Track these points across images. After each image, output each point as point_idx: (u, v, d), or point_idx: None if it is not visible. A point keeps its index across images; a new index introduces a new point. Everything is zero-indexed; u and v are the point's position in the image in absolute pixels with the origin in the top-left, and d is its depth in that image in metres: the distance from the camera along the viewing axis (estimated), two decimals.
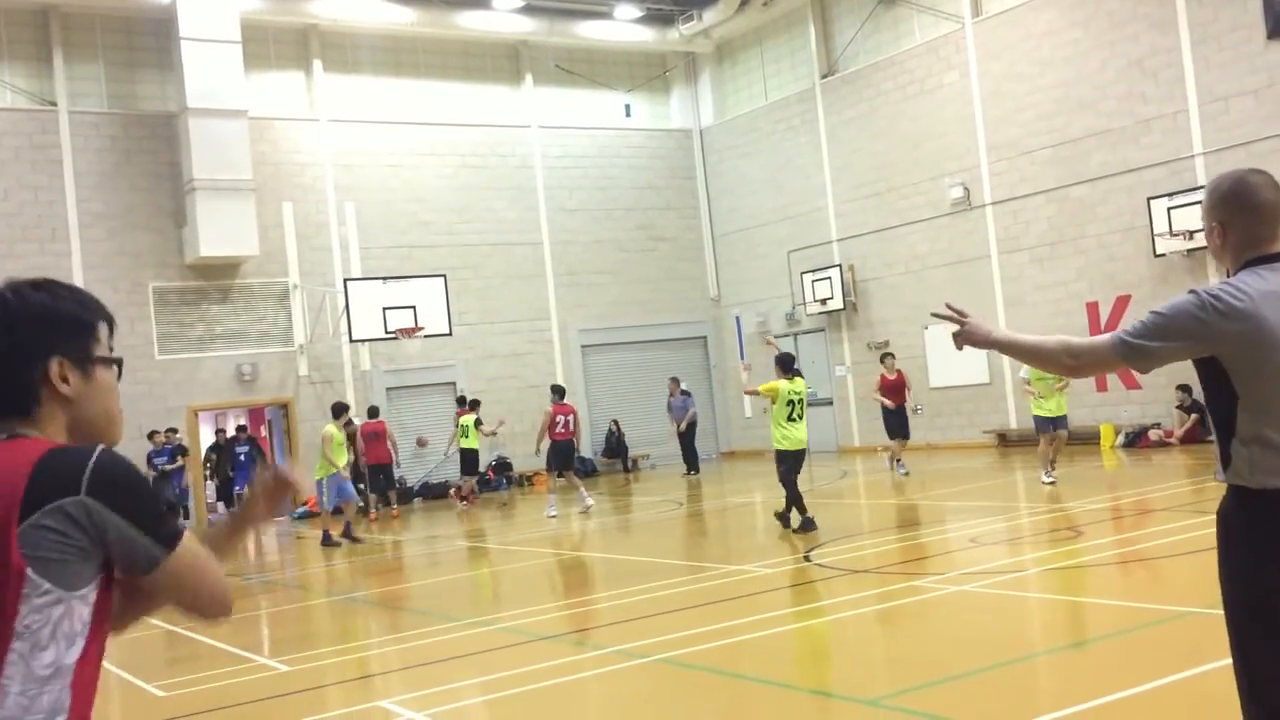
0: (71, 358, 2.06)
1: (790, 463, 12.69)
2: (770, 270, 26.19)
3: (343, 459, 16.55)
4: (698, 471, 23.07)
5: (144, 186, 21.77)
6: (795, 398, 12.71)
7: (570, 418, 17.55)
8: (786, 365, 13.07)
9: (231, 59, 21.41)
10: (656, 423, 25.53)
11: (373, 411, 20.28)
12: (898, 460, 18.03)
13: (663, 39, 26.77)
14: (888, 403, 18.08)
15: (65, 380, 2.05)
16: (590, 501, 17.38)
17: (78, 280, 20.92)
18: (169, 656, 9.24)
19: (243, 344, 22.34)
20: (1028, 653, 6.89)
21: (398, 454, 20.38)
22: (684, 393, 23.94)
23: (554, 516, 16.80)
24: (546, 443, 17.57)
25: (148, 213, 21.75)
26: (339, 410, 17.18)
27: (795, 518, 12.63)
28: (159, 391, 21.48)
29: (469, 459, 20.22)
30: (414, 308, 21.80)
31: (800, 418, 12.74)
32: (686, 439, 23.46)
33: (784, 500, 12.76)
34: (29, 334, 2.04)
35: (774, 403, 12.72)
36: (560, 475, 17.59)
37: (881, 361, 19.06)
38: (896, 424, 18.07)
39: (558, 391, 18.31)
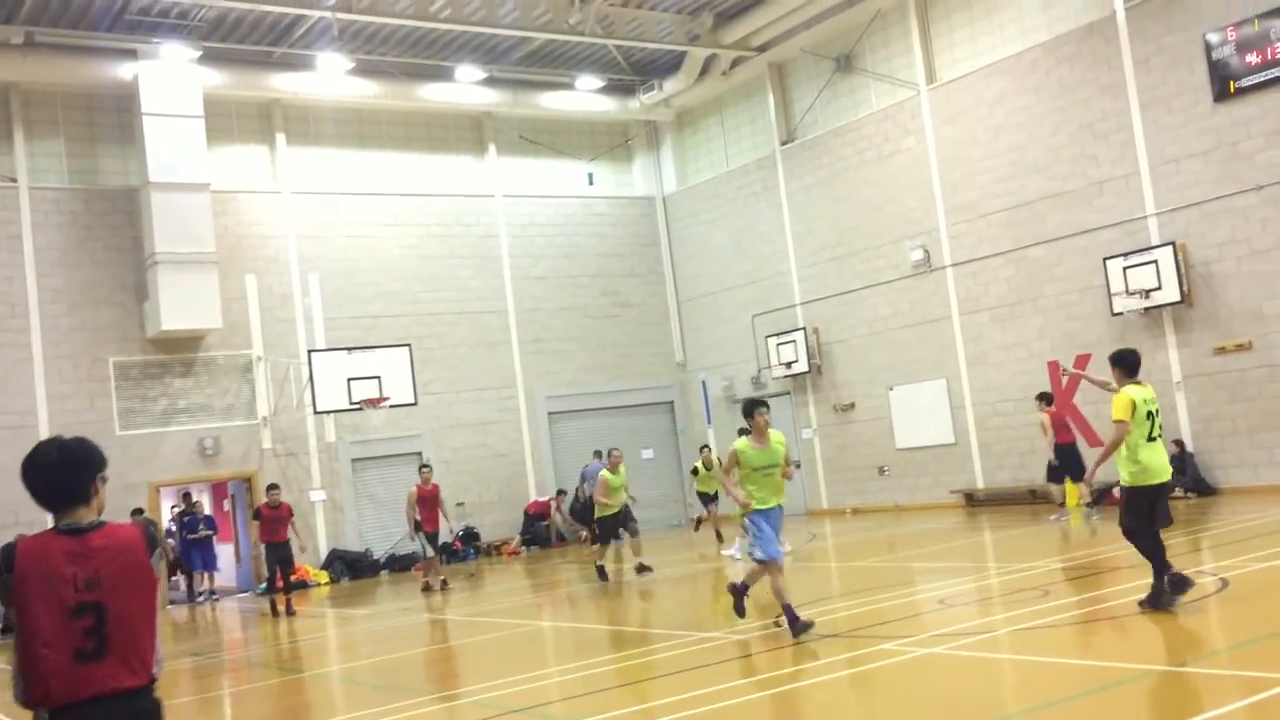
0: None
1: (1147, 504, 9.19)
2: (735, 334, 26.33)
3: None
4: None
5: (105, 261, 21.67)
6: (1152, 408, 9.23)
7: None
8: (1131, 366, 9.45)
9: (194, 133, 21.47)
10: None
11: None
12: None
13: (624, 108, 27.11)
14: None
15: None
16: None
17: (37, 356, 20.73)
18: None
19: (206, 418, 22.12)
20: (999, 715, 6.85)
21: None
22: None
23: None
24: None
25: (109, 287, 21.62)
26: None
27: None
28: (120, 468, 21.15)
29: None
30: (379, 378, 21.71)
31: (1159, 438, 9.29)
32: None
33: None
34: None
35: (1126, 418, 9.05)
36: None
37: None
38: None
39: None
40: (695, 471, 19.84)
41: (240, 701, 10.83)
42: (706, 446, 21.92)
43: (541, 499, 25.22)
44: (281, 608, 17.46)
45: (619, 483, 16.67)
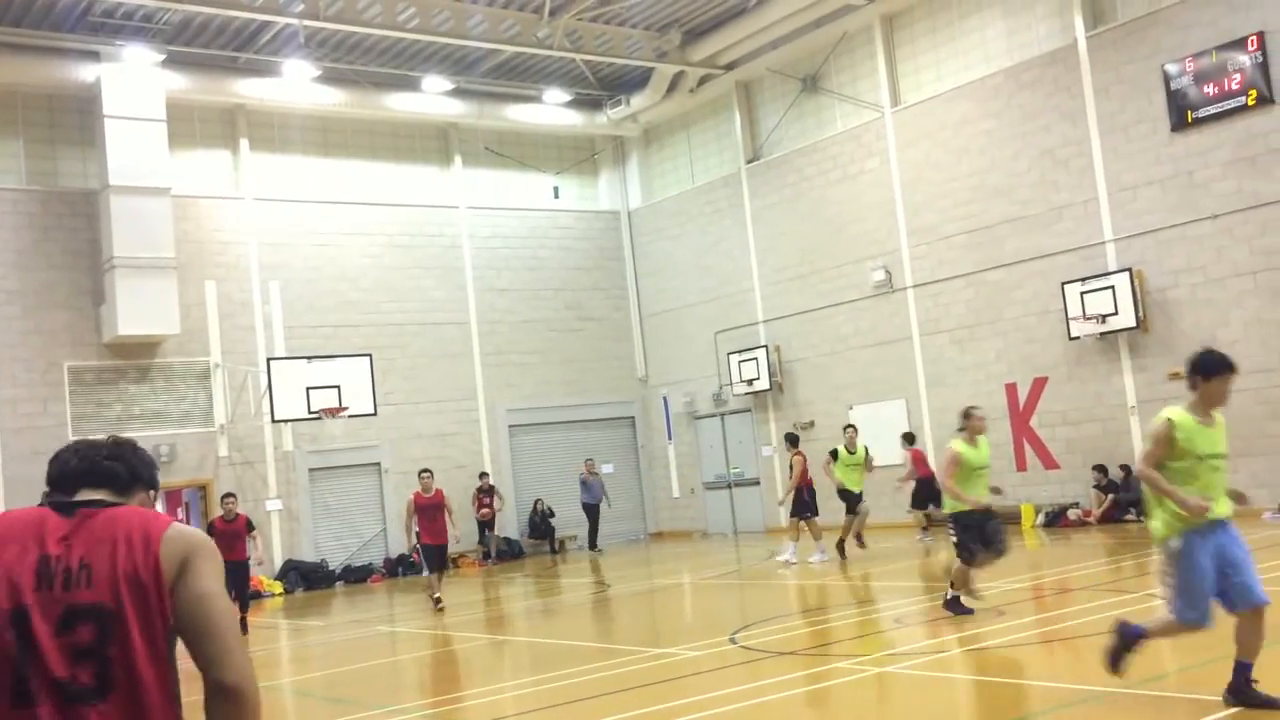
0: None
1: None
2: (697, 351, 26.38)
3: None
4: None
5: (62, 264, 21.38)
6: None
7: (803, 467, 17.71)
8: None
9: (155, 137, 21.25)
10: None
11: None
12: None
13: (591, 123, 27.15)
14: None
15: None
16: (818, 556, 17.28)
17: None
18: None
19: (161, 424, 21.85)
20: None
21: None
22: (595, 474, 25.32)
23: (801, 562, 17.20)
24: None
25: (65, 291, 21.33)
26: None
27: None
28: None
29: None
30: (338, 387, 21.54)
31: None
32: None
33: None
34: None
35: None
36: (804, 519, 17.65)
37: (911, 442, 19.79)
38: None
39: (792, 440, 18.70)
40: (835, 456, 17.62)
41: (191, 713, 10.69)
42: (851, 426, 18.68)
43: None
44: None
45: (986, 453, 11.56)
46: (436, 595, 16.08)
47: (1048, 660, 8.88)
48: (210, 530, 15.66)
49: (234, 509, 16.23)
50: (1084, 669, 8.28)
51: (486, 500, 24.13)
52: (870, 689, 8.24)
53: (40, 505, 2.67)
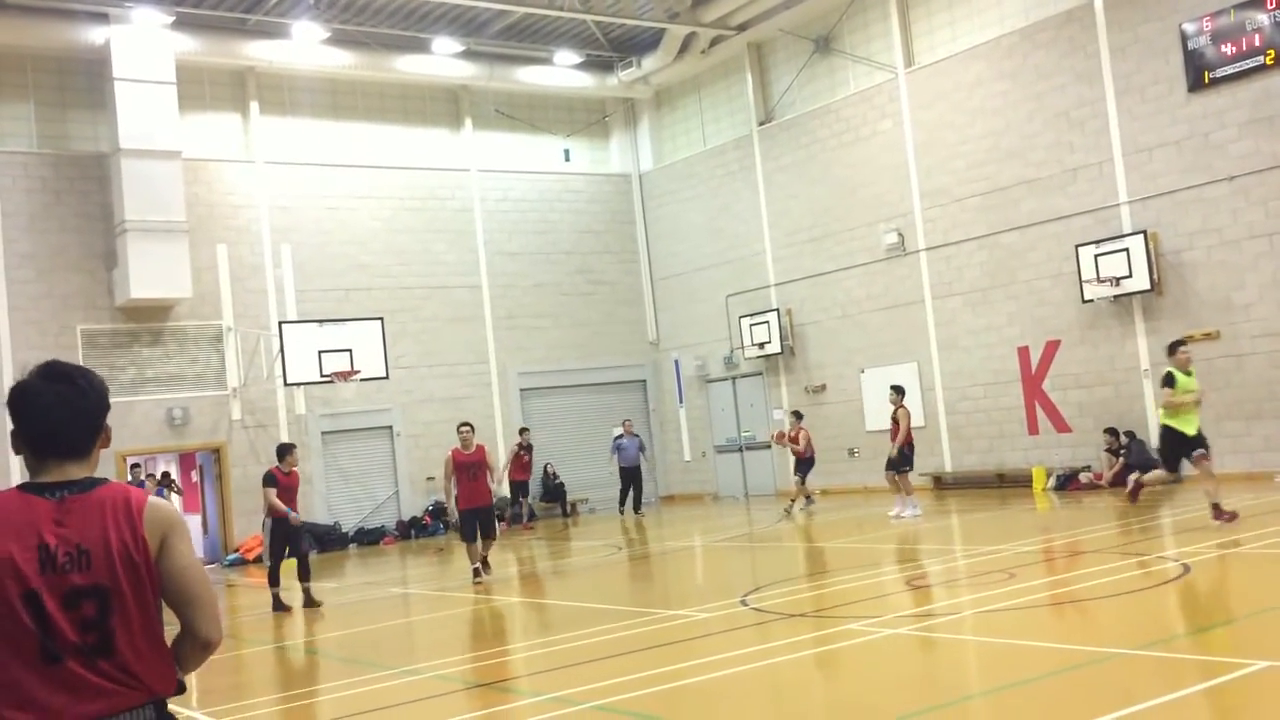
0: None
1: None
2: (709, 314, 26.33)
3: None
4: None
5: (74, 228, 21.41)
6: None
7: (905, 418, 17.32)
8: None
9: (166, 100, 21.20)
10: (596, 466, 25.44)
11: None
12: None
13: (602, 85, 26.98)
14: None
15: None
16: (911, 511, 17.06)
17: (3, 322, 20.47)
18: None
19: (174, 388, 21.95)
20: (962, 695, 6.92)
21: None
22: (634, 435, 24.12)
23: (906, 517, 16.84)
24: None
25: (77, 254, 21.37)
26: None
27: None
28: None
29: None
30: (350, 351, 21.59)
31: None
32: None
33: None
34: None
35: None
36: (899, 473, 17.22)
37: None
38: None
39: (898, 391, 17.70)
40: (1170, 382, 12.58)
41: (205, 673, 10.79)
42: (1181, 343, 13.43)
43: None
44: (293, 603, 13.98)
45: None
46: (475, 565, 14.40)
47: (1058, 622, 8.90)
48: (272, 482, 14.03)
49: (295, 460, 14.52)
50: (1094, 631, 8.29)
51: (527, 458, 23.56)
52: (880, 651, 8.28)
53: (18, 488, 2.92)
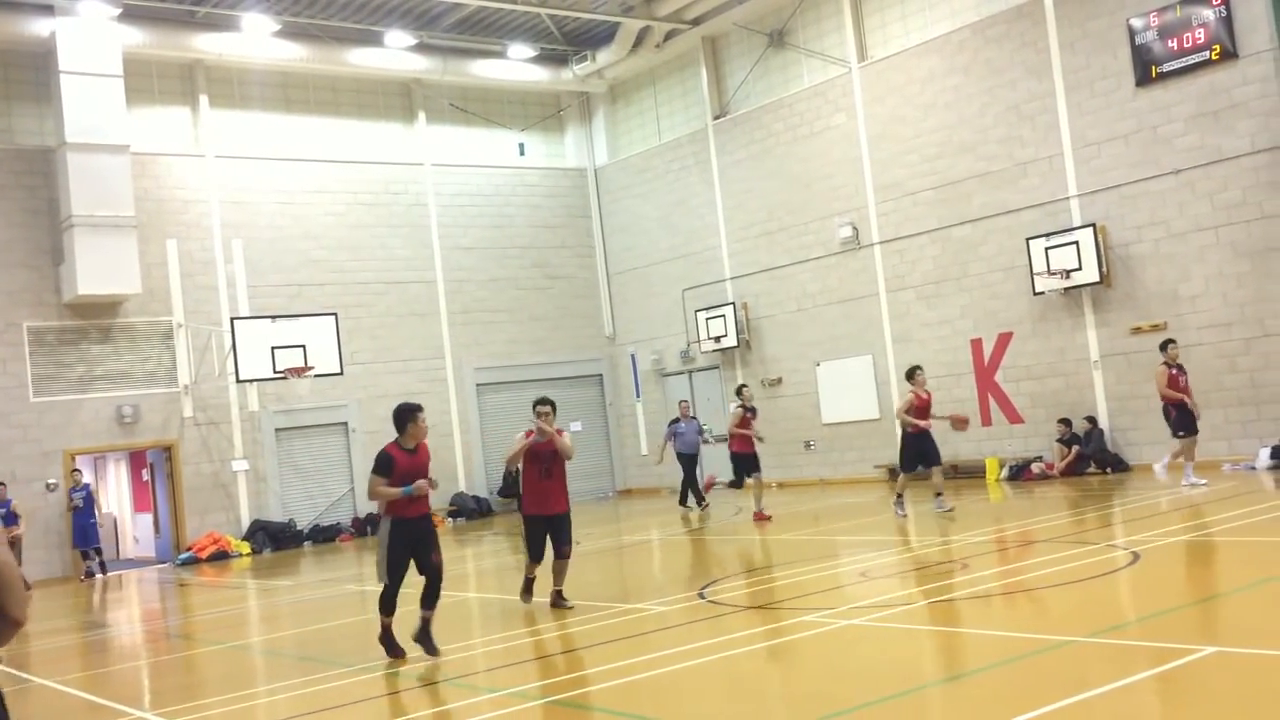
0: None
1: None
2: (665, 308, 26.37)
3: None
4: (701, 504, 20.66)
5: (19, 223, 21.05)
6: None
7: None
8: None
9: (113, 93, 20.89)
10: None
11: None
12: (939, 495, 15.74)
13: (557, 79, 26.91)
14: (922, 424, 15.43)
15: None
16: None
17: None
18: (40, 713, 8.82)
19: (124, 385, 21.65)
20: (917, 684, 6.98)
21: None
22: (692, 418, 21.69)
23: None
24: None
25: (24, 250, 21.02)
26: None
27: None
28: (34, 435, 20.70)
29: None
30: (304, 347, 21.41)
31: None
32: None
33: None
34: None
35: None
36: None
37: (911, 379, 15.85)
38: (930, 449, 15.61)
39: (1161, 347, 15.73)
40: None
41: (158, 672, 10.67)
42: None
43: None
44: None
45: None
46: (529, 578, 11.32)
47: (1010, 611, 9.01)
48: (388, 469, 9.07)
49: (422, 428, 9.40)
50: (1046, 619, 8.40)
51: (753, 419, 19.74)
52: (836, 641, 8.34)
53: None
